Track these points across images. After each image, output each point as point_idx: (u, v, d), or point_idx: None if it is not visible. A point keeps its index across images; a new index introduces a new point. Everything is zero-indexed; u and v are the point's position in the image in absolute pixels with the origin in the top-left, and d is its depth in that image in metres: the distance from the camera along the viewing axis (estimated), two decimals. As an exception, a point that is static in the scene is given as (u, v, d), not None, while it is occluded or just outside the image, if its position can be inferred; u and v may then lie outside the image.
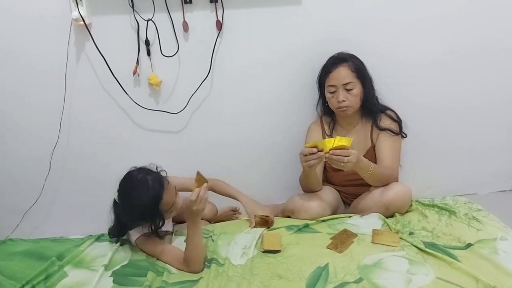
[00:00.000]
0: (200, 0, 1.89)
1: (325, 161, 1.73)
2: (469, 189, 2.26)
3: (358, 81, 1.86)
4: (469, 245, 1.59)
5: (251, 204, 1.92)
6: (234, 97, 2.07)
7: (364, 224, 1.79)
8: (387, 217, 1.83)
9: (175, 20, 1.91)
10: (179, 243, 1.74)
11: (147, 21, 1.89)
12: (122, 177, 1.67)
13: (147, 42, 1.93)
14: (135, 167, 1.69)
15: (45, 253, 1.73)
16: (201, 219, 1.93)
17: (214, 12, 1.91)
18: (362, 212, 1.89)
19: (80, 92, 2.01)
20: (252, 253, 1.66)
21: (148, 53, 1.95)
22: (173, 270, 1.63)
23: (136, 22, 1.90)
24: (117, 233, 1.78)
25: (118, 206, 1.68)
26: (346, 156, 1.66)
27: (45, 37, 1.91)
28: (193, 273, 1.59)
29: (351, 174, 1.84)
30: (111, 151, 2.11)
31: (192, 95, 2.02)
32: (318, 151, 1.69)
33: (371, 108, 1.94)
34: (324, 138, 1.99)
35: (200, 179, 1.58)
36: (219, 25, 1.92)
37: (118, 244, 1.79)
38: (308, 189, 1.96)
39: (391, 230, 1.74)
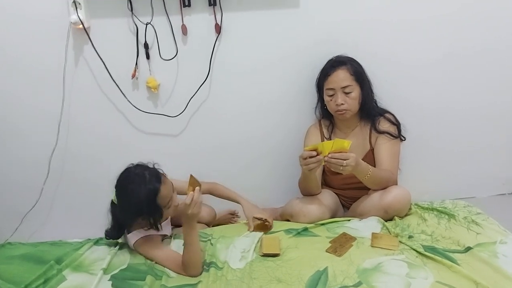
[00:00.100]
0: (199, 4, 1.89)
1: (324, 165, 1.73)
2: (468, 193, 2.26)
3: (357, 84, 1.86)
4: (468, 249, 1.59)
5: (250, 206, 1.92)
6: (232, 100, 2.07)
7: (363, 227, 1.79)
8: (386, 221, 1.83)
9: (173, 24, 1.91)
10: (177, 247, 1.73)
11: (146, 24, 1.90)
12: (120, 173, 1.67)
13: (145, 46, 1.93)
14: (132, 164, 1.69)
15: (44, 256, 1.73)
16: (200, 222, 1.95)
17: (213, 15, 1.91)
18: (361, 216, 1.89)
19: (79, 95, 2.01)
20: (251, 257, 1.66)
21: (147, 57, 1.95)
22: (172, 274, 1.62)
23: (135, 25, 1.90)
24: (115, 234, 1.77)
25: (115, 206, 1.68)
26: (345, 160, 1.66)
27: (44, 40, 1.91)
28: (192, 277, 1.59)
29: (350, 178, 1.84)
30: (109, 155, 2.11)
31: (191, 98, 2.02)
32: (318, 155, 1.69)
33: (370, 111, 1.94)
34: (323, 141, 1.99)
35: (194, 183, 1.57)
36: (218, 28, 1.92)
37: (117, 247, 1.79)
38: (307, 193, 1.96)
39: (390, 234, 1.74)
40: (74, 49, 1.94)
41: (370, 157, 1.93)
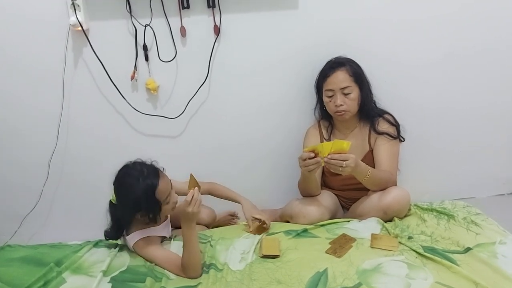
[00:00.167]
0: (198, 5, 1.89)
1: (323, 166, 1.73)
2: (467, 193, 2.26)
3: (356, 85, 1.86)
4: (468, 249, 1.59)
5: (249, 206, 1.92)
6: (232, 102, 2.08)
7: (362, 228, 1.79)
8: (385, 222, 1.83)
9: (172, 25, 1.91)
10: (177, 248, 1.73)
11: (145, 26, 1.90)
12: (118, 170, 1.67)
13: (144, 47, 1.93)
14: (130, 161, 1.69)
15: (43, 259, 1.72)
16: (199, 224, 1.95)
17: (212, 17, 1.91)
18: (360, 217, 1.89)
19: (78, 97, 2.01)
20: (251, 258, 1.66)
21: (146, 58, 1.95)
22: (172, 275, 1.62)
23: (133, 27, 1.90)
24: (114, 234, 1.77)
25: (114, 206, 1.68)
26: (344, 161, 1.66)
27: (43, 42, 1.91)
28: (191, 278, 1.59)
29: (349, 179, 1.84)
30: (109, 156, 2.10)
31: (190, 100, 2.02)
32: (316, 156, 1.69)
33: (369, 112, 1.94)
34: (322, 142, 1.99)
35: (194, 183, 1.58)
36: (217, 30, 1.92)
37: (117, 249, 1.78)
38: (307, 194, 1.96)
39: (390, 235, 1.73)
40: (73, 50, 1.94)
41: (370, 158, 1.93)
